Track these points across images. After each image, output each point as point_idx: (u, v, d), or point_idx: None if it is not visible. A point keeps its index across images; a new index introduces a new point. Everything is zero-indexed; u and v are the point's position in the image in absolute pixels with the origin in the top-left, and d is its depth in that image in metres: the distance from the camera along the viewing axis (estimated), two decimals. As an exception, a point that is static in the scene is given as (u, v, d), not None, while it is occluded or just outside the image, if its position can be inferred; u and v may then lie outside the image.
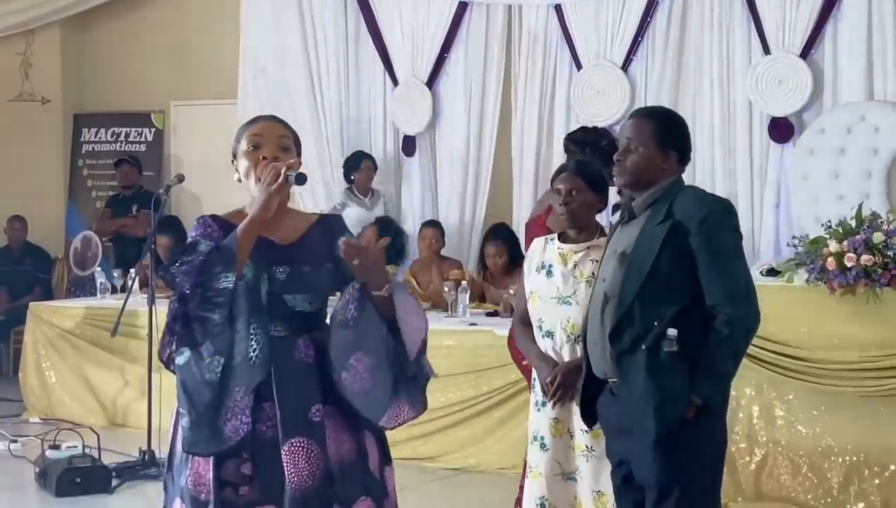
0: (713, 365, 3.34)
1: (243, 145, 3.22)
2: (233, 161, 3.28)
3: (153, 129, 10.78)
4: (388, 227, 8.30)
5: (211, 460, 3.04)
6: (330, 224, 3.33)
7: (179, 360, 3.06)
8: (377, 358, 3.11)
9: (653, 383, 3.31)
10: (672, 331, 3.32)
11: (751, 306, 3.39)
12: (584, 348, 3.62)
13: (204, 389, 3.01)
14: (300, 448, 3.04)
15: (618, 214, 3.67)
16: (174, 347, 3.09)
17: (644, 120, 3.57)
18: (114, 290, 8.50)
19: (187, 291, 3.02)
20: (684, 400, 3.32)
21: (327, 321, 3.23)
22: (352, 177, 8.86)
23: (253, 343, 3.05)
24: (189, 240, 3.15)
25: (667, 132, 3.54)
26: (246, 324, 3.04)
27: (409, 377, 3.15)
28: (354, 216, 8.47)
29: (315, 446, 3.06)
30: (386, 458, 3.28)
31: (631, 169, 3.52)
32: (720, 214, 3.41)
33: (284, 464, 3.02)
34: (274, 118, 3.34)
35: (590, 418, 3.69)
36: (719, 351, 3.33)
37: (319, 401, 3.12)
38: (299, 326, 3.17)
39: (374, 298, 3.10)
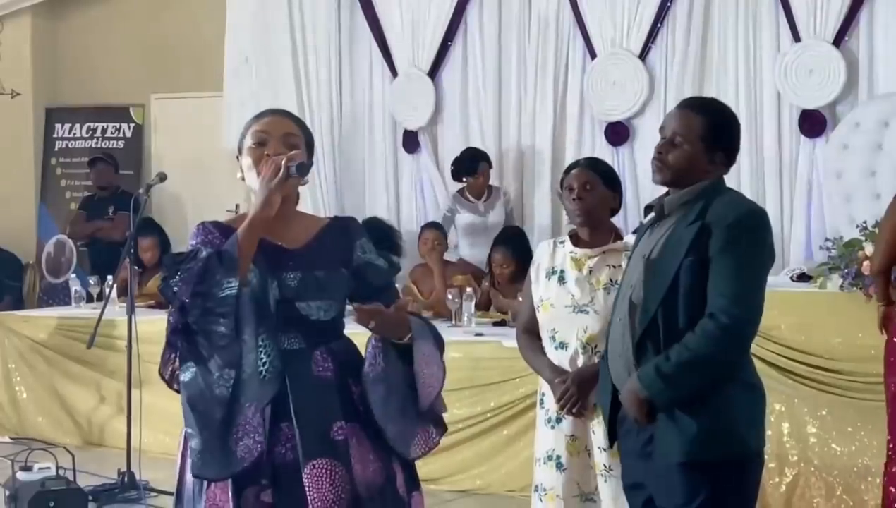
0: (681, 365, 3.27)
1: (248, 141, 3.22)
2: (237, 157, 3.28)
3: (132, 125, 10.79)
4: (377, 227, 8.28)
5: (229, 489, 3.02)
6: (345, 226, 3.35)
7: (185, 377, 3.04)
8: (403, 399, 3.17)
9: (690, 407, 3.29)
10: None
11: (750, 327, 3.33)
12: (605, 360, 3.62)
13: (214, 406, 2.99)
14: (323, 471, 3.01)
15: (649, 214, 3.63)
16: (177, 363, 3.07)
17: (694, 113, 3.49)
18: (89, 299, 8.51)
19: (187, 301, 2.99)
20: (726, 433, 3.31)
21: (345, 331, 3.27)
22: (464, 180, 8.45)
23: (262, 355, 3.04)
24: (189, 247, 3.14)
25: (718, 131, 3.47)
26: (253, 335, 3.03)
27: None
28: (465, 223, 8.23)
29: (339, 467, 3.03)
30: (413, 482, 3.30)
31: (672, 166, 3.47)
32: (750, 222, 3.35)
33: (307, 489, 2.99)
34: (284, 112, 3.34)
35: (614, 435, 3.68)
36: (697, 353, 3.26)
37: (341, 418, 3.10)
38: (315, 337, 3.15)
39: (396, 345, 3.16)
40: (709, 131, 3.45)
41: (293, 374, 3.09)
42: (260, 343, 3.04)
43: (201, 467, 3.01)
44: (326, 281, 3.17)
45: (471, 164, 8.41)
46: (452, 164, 8.52)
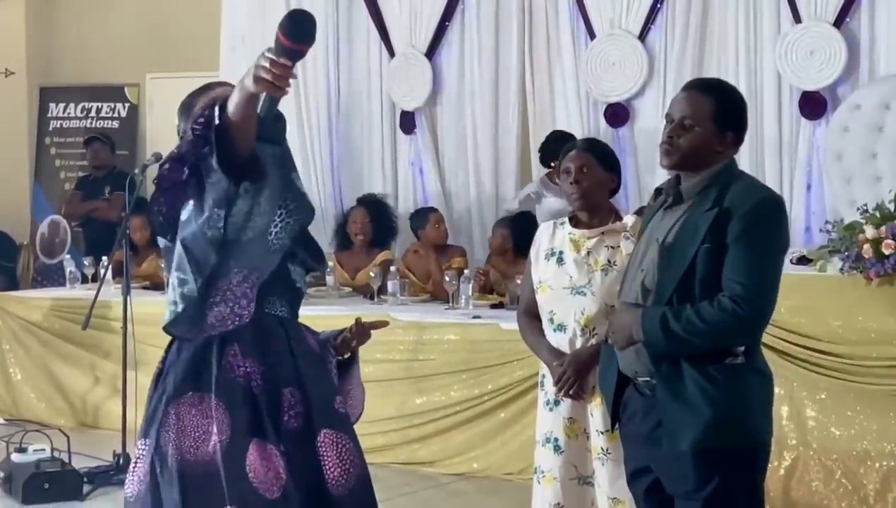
0: (688, 332, 3.26)
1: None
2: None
3: (127, 104, 10.77)
4: (375, 208, 8.27)
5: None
6: None
7: (183, 216, 2.99)
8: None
9: (705, 394, 3.29)
10: (738, 347, 3.31)
11: (765, 318, 3.36)
12: (607, 343, 3.60)
13: (207, 248, 2.93)
14: (330, 441, 3.00)
15: (660, 197, 3.61)
16: (162, 208, 3.01)
17: (702, 94, 3.47)
18: (84, 280, 8.50)
19: (196, 129, 2.93)
20: (740, 423, 3.31)
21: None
22: (552, 164, 8.07)
23: (278, 222, 2.98)
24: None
25: (727, 111, 3.45)
26: (273, 200, 2.98)
27: None
28: (553, 209, 7.91)
29: (346, 439, 3.03)
30: None
31: (684, 149, 3.43)
32: (768, 208, 3.34)
33: (321, 458, 2.99)
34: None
35: (616, 419, 3.66)
36: (709, 329, 3.25)
37: (338, 393, 3.13)
38: (296, 309, 3.16)
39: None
40: (719, 112, 3.43)
41: (296, 340, 3.08)
42: (279, 209, 2.98)
43: (172, 322, 2.96)
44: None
45: (555, 147, 8.26)
46: (539, 149, 8.34)
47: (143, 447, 3.07)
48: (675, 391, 3.33)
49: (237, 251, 2.95)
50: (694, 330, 3.26)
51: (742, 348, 3.32)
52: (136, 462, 3.09)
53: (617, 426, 3.65)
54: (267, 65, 2.67)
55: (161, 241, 3.15)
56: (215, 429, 2.97)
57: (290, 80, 2.72)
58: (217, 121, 2.84)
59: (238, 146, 2.87)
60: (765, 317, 3.37)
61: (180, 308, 2.95)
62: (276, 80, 2.67)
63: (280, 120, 3.00)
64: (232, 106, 2.81)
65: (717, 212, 3.31)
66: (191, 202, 2.96)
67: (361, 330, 3.26)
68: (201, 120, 2.88)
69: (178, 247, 2.98)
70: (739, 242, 3.27)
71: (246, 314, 2.93)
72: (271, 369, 3.03)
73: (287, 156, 3.03)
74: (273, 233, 2.97)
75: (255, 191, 2.95)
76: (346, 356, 3.31)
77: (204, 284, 2.92)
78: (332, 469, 2.98)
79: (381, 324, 3.44)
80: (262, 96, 2.73)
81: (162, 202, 2.99)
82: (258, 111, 2.78)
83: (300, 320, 3.24)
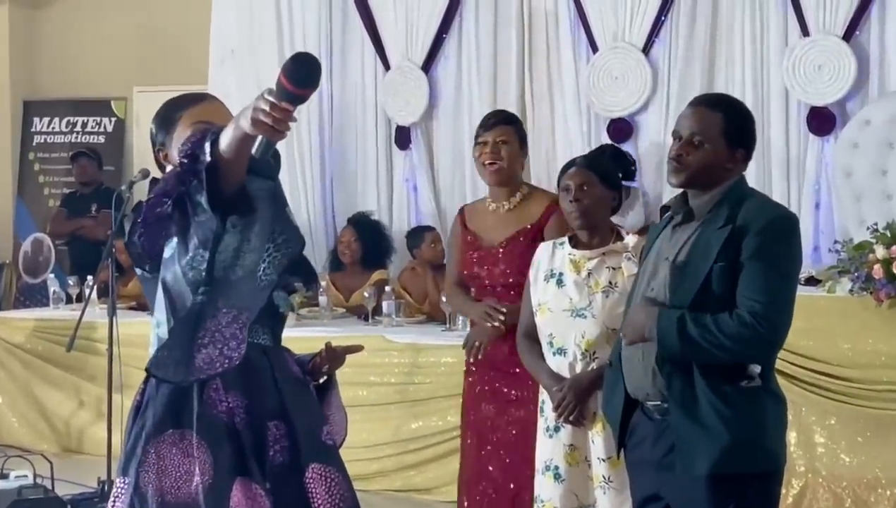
0: (705, 340, 3.28)
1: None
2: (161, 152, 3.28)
3: (113, 119, 10.77)
4: (364, 227, 8.27)
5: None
6: None
7: (166, 253, 2.97)
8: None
9: (720, 416, 3.29)
10: (755, 368, 3.33)
11: (783, 336, 3.39)
12: (612, 367, 3.59)
13: (186, 290, 2.92)
14: (318, 476, 2.99)
15: (667, 214, 3.61)
16: (140, 238, 2.96)
17: (711, 110, 3.49)
18: (68, 300, 8.49)
19: (185, 162, 2.86)
20: (757, 446, 3.33)
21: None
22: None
23: (266, 258, 2.95)
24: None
25: (737, 127, 3.49)
26: (263, 236, 2.95)
27: None
28: (629, 223, 7.59)
29: (335, 472, 3.01)
30: None
31: (694, 167, 3.44)
32: (783, 226, 3.39)
33: (310, 494, 2.96)
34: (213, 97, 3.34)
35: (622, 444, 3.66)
36: (727, 341, 3.27)
37: (325, 423, 3.11)
38: (280, 335, 3.15)
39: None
40: (729, 128, 3.46)
41: (279, 369, 3.06)
42: (267, 248, 2.95)
43: (156, 364, 2.92)
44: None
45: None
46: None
47: (122, 485, 3.04)
48: (690, 413, 3.33)
49: (226, 290, 2.92)
50: (710, 339, 3.28)
51: (758, 369, 3.33)
52: (114, 501, 3.06)
53: (622, 452, 3.64)
54: (267, 108, 2.60)
55: (138, 271, 3.13)
56: (197, 470, 2.95)
57: (290, 124, 2.67)
58: (208, 158, 2.79)
59: (227, 182, 2.85)
60: (782, 336, 3.41)
61: (157, 352, 2.92)
62: (275, 123, 2.62)
63: (275, 156, 2.97)
64: (224, 144, 2.77)
65: (731, 230, 3.34)
66: (174, 240, 2.94)
67: (332, 355, 3.25)
68: (189, 153, 2.84)
69: (160, 287, 2.97)
70: (755, 259, 3.30)
71: (236, 356, 2.88)
72: (255, 402, 3.00)
73: (279, 192, 3.01)
74: (261, 270, 2.95)
75: (244, 226, 2.93)
76: (322, 381, 3.28)
77: (174, 328, 2.90)
78: (321, 506, 2.96)
79: (356, 349, 3.41)
80: (259, 138, 2.70)
81: (143, 235, 2.96)
82: (253, 152, 2.74)
83: (288, 340, 3.24)
